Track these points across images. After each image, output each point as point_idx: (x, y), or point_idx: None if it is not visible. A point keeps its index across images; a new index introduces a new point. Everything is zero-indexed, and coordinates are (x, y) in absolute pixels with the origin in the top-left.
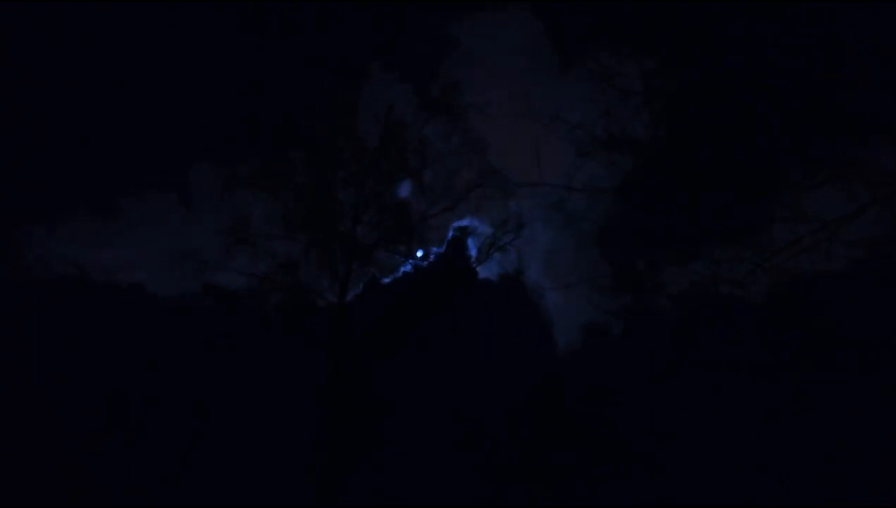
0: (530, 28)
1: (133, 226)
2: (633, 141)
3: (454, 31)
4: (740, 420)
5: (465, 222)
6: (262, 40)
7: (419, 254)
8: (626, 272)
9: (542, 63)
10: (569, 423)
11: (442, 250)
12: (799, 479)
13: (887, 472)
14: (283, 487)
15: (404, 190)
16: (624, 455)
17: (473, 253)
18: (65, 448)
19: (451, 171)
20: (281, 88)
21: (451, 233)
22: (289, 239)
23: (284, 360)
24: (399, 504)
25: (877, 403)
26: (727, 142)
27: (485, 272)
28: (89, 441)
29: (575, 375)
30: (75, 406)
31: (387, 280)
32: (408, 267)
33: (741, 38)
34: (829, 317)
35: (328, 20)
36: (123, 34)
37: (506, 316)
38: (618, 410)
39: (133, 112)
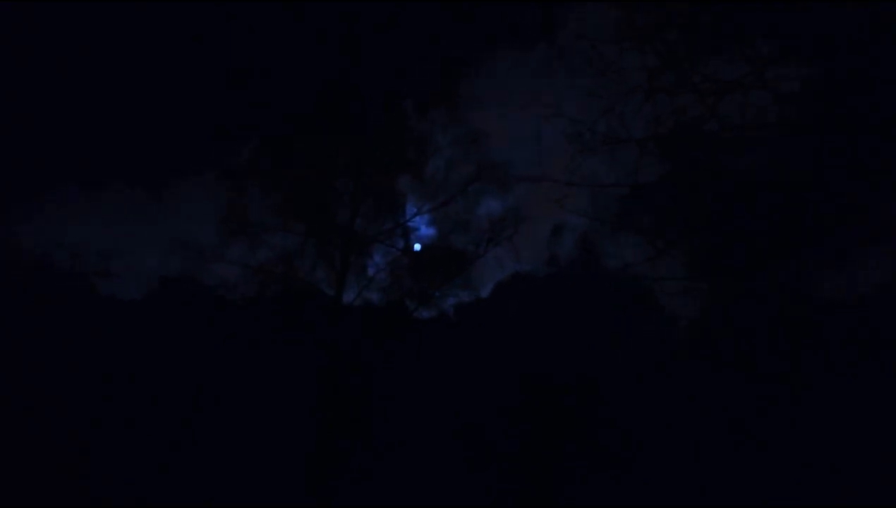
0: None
1: (128, 215)
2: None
3: (455, 24)
4: (741, 420)
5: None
6: (262, 30)
7: (417, 248)
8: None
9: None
10: (567, 422)
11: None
12: (797, 479)
13: (885, 472)
14: (278, 483)
15: (403, 183)
16: (622, 454)
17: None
18: (57, 444)
19: (450, 164)
20: (280, 79)
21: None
22: (286, 230)
23: (281, 353)
24: (396, 503)
25: (876, 405)
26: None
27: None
28: (81, 436)
29: (572, 373)
30: (64, 398)
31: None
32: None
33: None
34: (825, 317)
35: (327, 12)
36: (122, 22)
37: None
38: (616, 409)
39: (129, 99)
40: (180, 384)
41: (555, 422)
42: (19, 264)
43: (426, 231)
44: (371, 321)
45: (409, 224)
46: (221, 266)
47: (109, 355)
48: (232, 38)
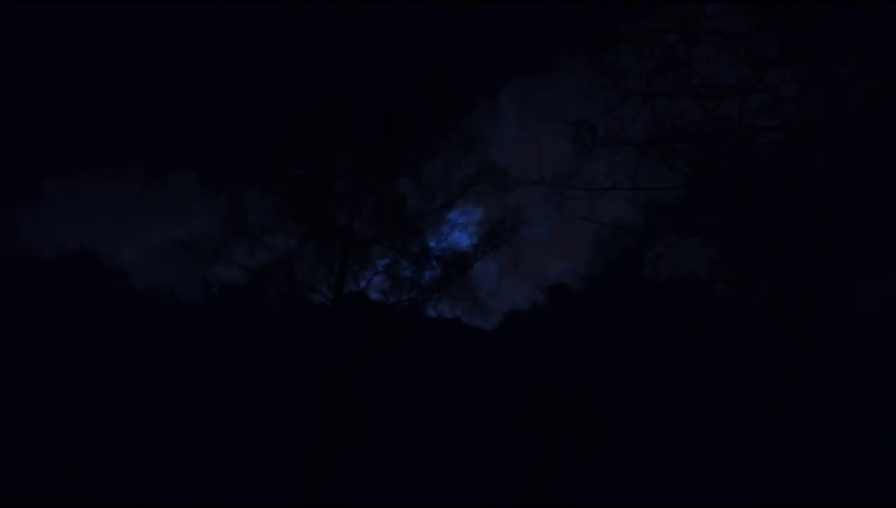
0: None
1: (128, 215)
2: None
3: (455, 27)
4: (740, 419)
5: None
6: (262, 30)
7: (417, 250)
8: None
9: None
10: (565, 421)
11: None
12: (794, 479)
13: (882, 472)
14: (278, 483)
15: (402, 185)
16: (621, 453)
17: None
18: (58, 444)
19: (450, 166)
20: (280, 80)
21: None
22: (286, 232)
23: (281, 354)
24: (396, 503)
25: (871, 405)
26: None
27: None
28: (80, 436)
29: (570, 372)
30: (64, 398)
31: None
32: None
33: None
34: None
35: (327, 12)
36: (122, 22)
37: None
38: (615, 408)
39: (130, 100)
40: (180, 384)
41: (555, 423)
42: (19, 264)
43: (426, 233)
44: (370, 323)
45: (409, 226)
46: (221, 268)
47: (109, 355)
48: (232, 38)
